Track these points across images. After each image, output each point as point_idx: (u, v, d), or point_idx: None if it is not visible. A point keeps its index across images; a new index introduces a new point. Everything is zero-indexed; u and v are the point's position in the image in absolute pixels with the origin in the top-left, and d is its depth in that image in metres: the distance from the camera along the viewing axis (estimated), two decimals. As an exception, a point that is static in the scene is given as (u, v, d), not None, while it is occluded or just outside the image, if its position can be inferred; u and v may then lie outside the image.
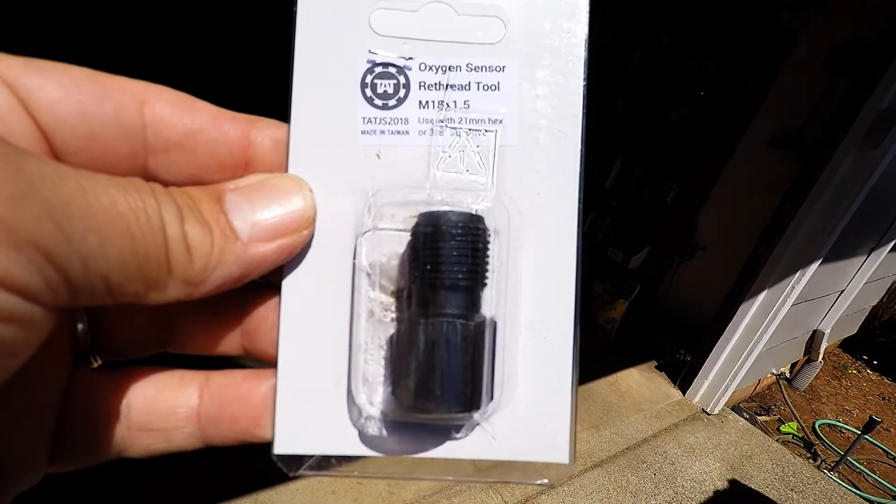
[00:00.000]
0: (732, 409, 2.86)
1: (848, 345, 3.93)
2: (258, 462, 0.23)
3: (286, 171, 0.22)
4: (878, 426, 2.58)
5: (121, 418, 0.22)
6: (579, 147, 0.22)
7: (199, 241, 0.18)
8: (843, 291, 3.05)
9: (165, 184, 0.19)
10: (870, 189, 2.22)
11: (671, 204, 3.21)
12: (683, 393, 2.86)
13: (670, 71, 3.13)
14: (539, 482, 0.22)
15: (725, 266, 2.83)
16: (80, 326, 0.23)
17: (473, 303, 0.21)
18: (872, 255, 2.99)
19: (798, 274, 2.38)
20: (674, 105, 3.15)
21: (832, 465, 2.66)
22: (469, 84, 0.22)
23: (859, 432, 2.60)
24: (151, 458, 0.23)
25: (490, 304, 0.21)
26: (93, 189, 0.16)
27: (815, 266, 2.37)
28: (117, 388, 0.22)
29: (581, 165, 0.22)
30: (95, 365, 0.24)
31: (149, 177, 0.20)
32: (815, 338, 3.17)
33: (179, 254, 0.18)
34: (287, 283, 0.22)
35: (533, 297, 0.22)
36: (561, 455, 0.22)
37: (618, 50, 3.25)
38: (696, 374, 2.79)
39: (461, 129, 0.22)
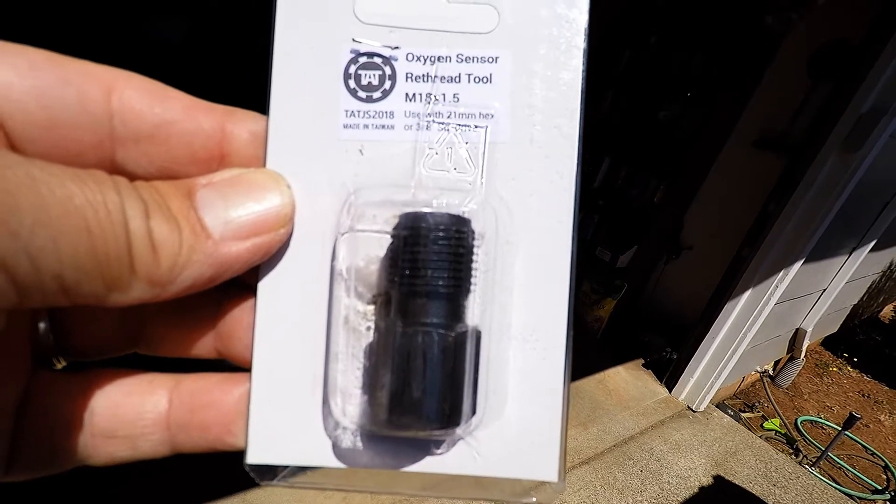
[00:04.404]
0: (717, 407, 2.90)
1: (829, 343, 4.01)
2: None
3: (263, 166, 0.21)
4: (858, 422, 2.64)
5: (83, 424, 0.20)
6: (577, 145, 0.20)
7: (166, 238, 0.17)
8: (824, 290, 3.11)
9: (134, 177, 0.18)
10: (851, 190, 2.26)
11: (658, 203, 3.24)
12: (670, 390, 2.89)
13: (658, 71, 3.15)
14: (526, 501, 0.21)
15: (711, 265, 2.87)
16: (41, 326, 0.21)
17: (455, 311, 0.19)
18: (853, 254, 3.05)
19: (781, 273, 2.41)
20: (662, 105, 3.17)
21: (813, 460, 2.71)
22: (459, 76, 0.20)
23: (840, 428, 2.66)
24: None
25: (475, 313, 0.20)
26: (45, 180, 0.14)
27: (798, 266, 2.41)
28: (80, 392, 0.21)
29: (578, 165, 0.20)
30: (59, 367, 0.22)
31: (117, 170, 0.19)
32: (797, 336, 3.23)
33: (144, 252, 0.17)
34: (263, 285, 0.21)
35: (523, 307, 0.21)
36: (550, 473, 0.20)
37: (606, 50, 3.26)
38: (682, 372, 2.82)
39: (450, 123, 0.20)
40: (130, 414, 0.21)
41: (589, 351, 3.07)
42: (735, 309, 2.56)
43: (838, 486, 2.57)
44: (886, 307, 4.96)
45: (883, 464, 2.87)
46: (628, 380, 2.93)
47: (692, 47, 3.00)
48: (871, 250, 3.18)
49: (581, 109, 0.20)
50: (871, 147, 2.13)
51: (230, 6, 2.43)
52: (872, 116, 2.06)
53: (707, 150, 2.97)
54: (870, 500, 2.59)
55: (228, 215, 0.19)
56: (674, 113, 3.14)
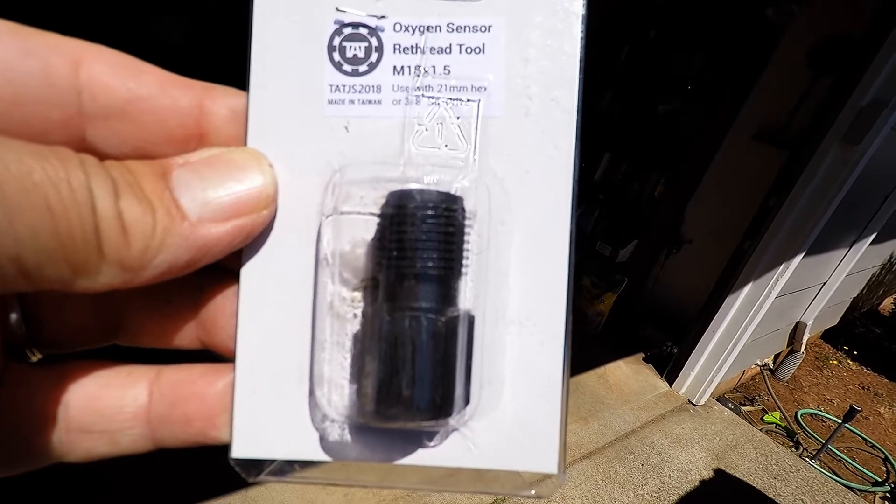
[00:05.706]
0: (718, 400, 2.90)
1: (829, 336, 4.01)
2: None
3: (244, 144, 0.20)
4: (858, 415, 2.64)
5: (58, 419, 0.19)
6: (575, 118, 0.19)
7: (138, 219, 0.16)
8: (825, 284, 3.10)
9: (106, 157, 0.17)
10: (852, 183, 2.25)
11: (658, 197, 3.23)
12: (670, 384, 2.89)
13: (658, 65, 3.13)
14: (526, 494, 0.20)
15: (711, 259, 2.86)
16: (13, 316, 0.20)
17: (446, 295, 0.18)
18: (853, 248, 3.04)
19: (782, 267, 2.41)
20: (662, 99, 3.15)
21: (814, 453, 2.72)
22: (450, 46, 0.19)
23: (840, 421, 2.66)
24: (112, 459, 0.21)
25: (468, 296, 0.19)
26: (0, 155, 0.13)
27: (798, 259, 2.40)
28: (54, 385, 0.20)
29: (577, 139, 0.19)
30: (34, 359, 0.21)
31: (88, 150, 0.18)
32: (797, 329, 3.23)
33: (113, 234, 0.15)
34: (246, 271, 0.20)
35: (520, 289, 0.19)
36: (549, 465, 0.19)
37: (605, 44, 3.24)
38: (683, 366, 2.82)
39: (440, 97, 0.19)
40: (108, 407, 0.20)
41: (589, 345, 3.07)
42: (735, 303, 2.55)
43: (838, 479, 2.57)
44: (886, 300, 4.96)
45: (883, 456, 2.88)
46: (629, 374, 2.93)
47: (692, 45, 2.98)
48: (872, 243, 3.17)
49: (580, 80, 0.19)
50: (871, 140, 2.12)
51: (230, 6, 2.40)
52: (873, 109, 2.05)
53: (707, 144, 2.95)
54: (870, 492, 2.59)
55: (207, 196, 0.18)
56: (674, 106, 3.12)
